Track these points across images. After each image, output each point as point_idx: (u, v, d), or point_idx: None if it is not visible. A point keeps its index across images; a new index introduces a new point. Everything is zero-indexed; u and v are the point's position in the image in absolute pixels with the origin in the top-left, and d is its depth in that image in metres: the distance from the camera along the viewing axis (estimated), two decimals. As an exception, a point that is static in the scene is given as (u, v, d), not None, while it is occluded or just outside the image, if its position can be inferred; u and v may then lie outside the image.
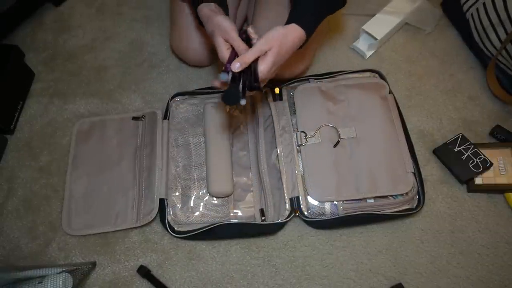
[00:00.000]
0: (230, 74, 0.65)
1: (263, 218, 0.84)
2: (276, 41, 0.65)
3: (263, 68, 0.65)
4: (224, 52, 0.68)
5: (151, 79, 1.06)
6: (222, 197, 0.88)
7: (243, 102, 0.65)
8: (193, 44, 0.95)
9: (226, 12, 0.73)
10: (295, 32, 0.68)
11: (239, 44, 0.66)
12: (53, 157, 0.96)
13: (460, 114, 0.97)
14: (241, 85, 0.64)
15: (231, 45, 0.68)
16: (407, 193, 0.82)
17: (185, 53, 0.98)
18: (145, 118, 0.97)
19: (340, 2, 0.77)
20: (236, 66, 0.63)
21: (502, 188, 0.86)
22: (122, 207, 0.87)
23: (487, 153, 0.87)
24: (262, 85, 0.68)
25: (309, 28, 0.70)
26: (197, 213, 0.87)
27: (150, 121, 0.96)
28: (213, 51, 0.96)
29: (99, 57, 1.10)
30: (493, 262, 0.81)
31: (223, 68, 0.66)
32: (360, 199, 0.82)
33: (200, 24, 0.75)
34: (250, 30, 0.70)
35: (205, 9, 0.71)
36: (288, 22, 0.69)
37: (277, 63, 0.68)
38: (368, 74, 0.96)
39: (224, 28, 0.67)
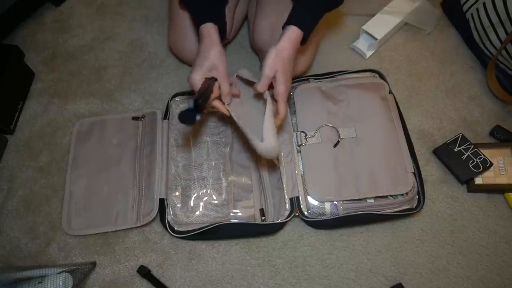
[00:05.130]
0: (192, 103, 0.67)
1: (263, 218, 0.84)
2: (277, 62, 0.72)
3: (282, 88, 0.73)
4: (196, 81, 0.72)
5: (151, 79, 1.06)
6: (268, 157, 0.74)
7: (198, 118, 0.66)
8: (191, 43, 0.95)
9: (224, 34, 0.78)
10: (292, 36, 0.73)
11: (225, 86, 0.74)
12: (53, 157, 0.96)
13: (460, 114, 0.97)
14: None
15: (219, 83, 0.74)
16: (407, 193, 0.82)
17: (183, 52, 0.98)
18: (145, 118, 0.97)
19: (337, 1, 0.80)
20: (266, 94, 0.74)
21: (502, 188, 0.86)
22: (122, 207, 0.87)
23: (487, 153, 0.87)
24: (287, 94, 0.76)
25: (307, 30, 0.75)
26: (197, 213, 0.87)
27: (150, 121, 0.96)
28: None
29: (99, 57, 1.10)
30: (493, 262, 0.81)
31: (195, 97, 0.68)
32: (360, 199, 0.82)
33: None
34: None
35: (207, 37, 0.75)
36: (287, 23, 0.74)
37: (288, 76, 0.75)
38: (368, 74, 0.96)
39: (217, 67, 0.73)
